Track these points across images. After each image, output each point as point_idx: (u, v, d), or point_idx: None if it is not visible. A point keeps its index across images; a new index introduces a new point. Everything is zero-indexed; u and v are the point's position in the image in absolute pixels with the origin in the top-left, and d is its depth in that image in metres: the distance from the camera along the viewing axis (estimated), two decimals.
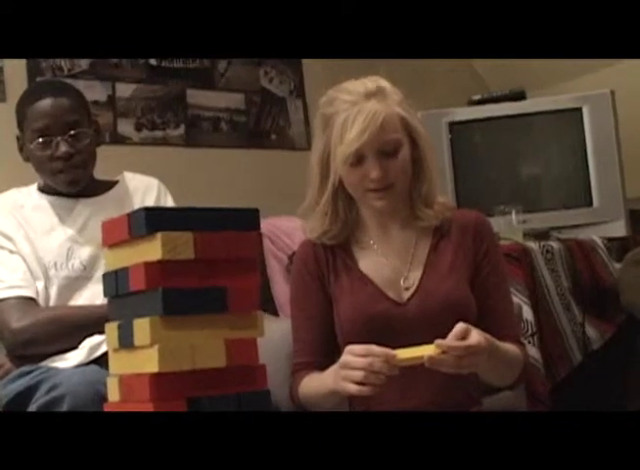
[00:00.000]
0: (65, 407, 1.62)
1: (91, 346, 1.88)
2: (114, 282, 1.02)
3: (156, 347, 0.95)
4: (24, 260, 1.95)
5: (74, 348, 1.88)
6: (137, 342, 0.98)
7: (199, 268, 0.98)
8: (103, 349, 1.87)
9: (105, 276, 1.04)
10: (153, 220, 0.96)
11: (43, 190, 2.07)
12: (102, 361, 1.83)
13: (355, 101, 1.58)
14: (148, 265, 0.96)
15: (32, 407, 1.70)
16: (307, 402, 1.63)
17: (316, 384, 1.60)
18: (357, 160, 1.59)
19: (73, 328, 1.89)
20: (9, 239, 1.98)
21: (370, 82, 1.61)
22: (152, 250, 0.96)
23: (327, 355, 1.67)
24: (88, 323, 1.87)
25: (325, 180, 1.66)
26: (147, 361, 0.96)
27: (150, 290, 0.97)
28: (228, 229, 1.00)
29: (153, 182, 2.12)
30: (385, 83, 1.62)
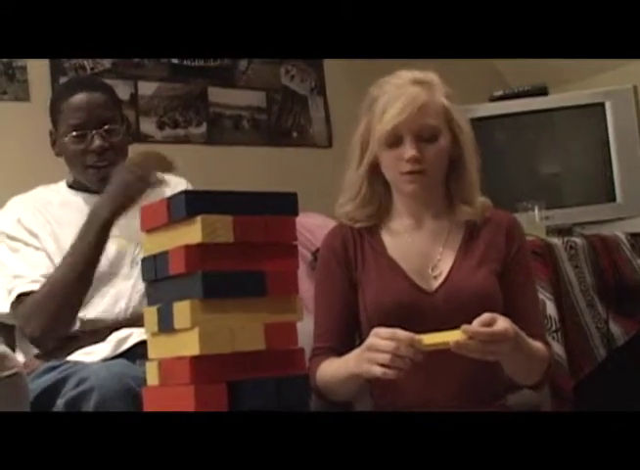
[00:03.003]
0: (93, 401, 1.62)
1: (118, 340, 1.88)
2: (153, 266, 1.02)
3: (196, 329, 0.95)
4: (49, 257, 1.96)
5: (102, 340, 1.90)
6: (177, 325, 0.98)
7: (237, 252, 0.98)
8: (129, 343, 1.88)
9: (143, 261, 1.04)
10: (193, 204, 0.96)
11: (72, 186, 2.09)
12: (128, 355, 1.84)
13: (402, 85, 1.63)
14: (188, 249, 0.96)
15: (60, 402, 1.71)
16: (325, 387, 1.63)
17: (336, 368, 1.61)
18: (394, 140, 1.62)
19: (67, 289, 1.88)
20: (35, 236, 1.99)
21: (420, 72, 1.66)
22: (192, 233, 0.96)
23: (347, 342, 1.68)
24: (76, 276, 1.87)
25: (363, 159, 1.69)
26: (187, 344, 0.96)
27: (190, 273, 0.97)
28: (266, 213, 1.00)
29: (181, 181, 2.14)
30: (434, 77, 1.67)
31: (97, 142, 1.97)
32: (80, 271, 1.87)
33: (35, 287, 1.91)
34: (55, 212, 2.03)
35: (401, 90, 1.62)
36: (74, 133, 1.97)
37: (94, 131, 1.97)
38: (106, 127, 1.98)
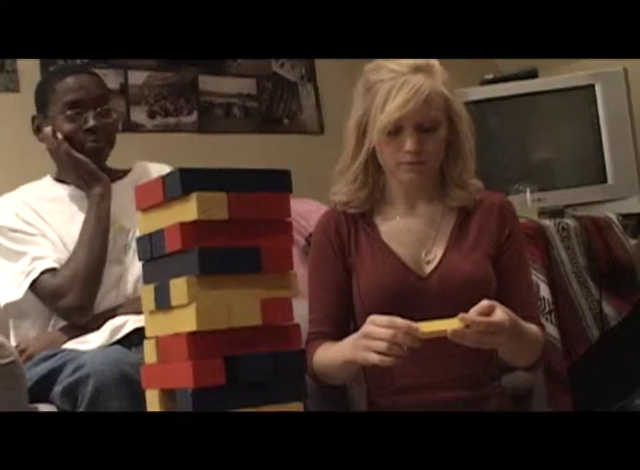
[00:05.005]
0: (89, 387, 1.63)
1: (113, 327, 1.89)
2: (149, 245, 1.02)
3: (193, 305, 0.95)
4: (53, 243, 1.97)
5: (97, 327, 1.90)
6: (174, 302, 0.98)
7: (232, 229, 0.99)
8: (125, 330, 1.89)
9: (139, 240, 1.05)
10: (188, 181, 0.96)
11: (59, 179, 2.09)
12: (124, 343, 1.85)
13: (403, 72, 1.58)
14: (183, 226, 0.97)
15: (57, 389, 1.72)
16: (321, 372, 1.63)
17: (332, 353, 1.61)
18: (395, 130, 1.60)
19: (95, 262, 1.95)
20: (35, 227, 2.00)
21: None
22: (187, 210, 0.97)
23: (342, 326, 1.68)
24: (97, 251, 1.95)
25: (359, 146, 1.66)
26: (184, 320, 0.97)
27: (186, 250, 0.97)
28: (260, 190, 1.01)
29: (166, 168, 2.15)
30: (433, 60, 1.62)
31: (91, 122, 1.99)
32: (100, 247, 1.95)
33: (57, 265, 1.93)
34: (46, 207, 2.04)
35: (404, 78, 1.57)
36: (69, 112, 1.99)
37: (90, 111, 1.99)
38: (99, 109, 2.00)
